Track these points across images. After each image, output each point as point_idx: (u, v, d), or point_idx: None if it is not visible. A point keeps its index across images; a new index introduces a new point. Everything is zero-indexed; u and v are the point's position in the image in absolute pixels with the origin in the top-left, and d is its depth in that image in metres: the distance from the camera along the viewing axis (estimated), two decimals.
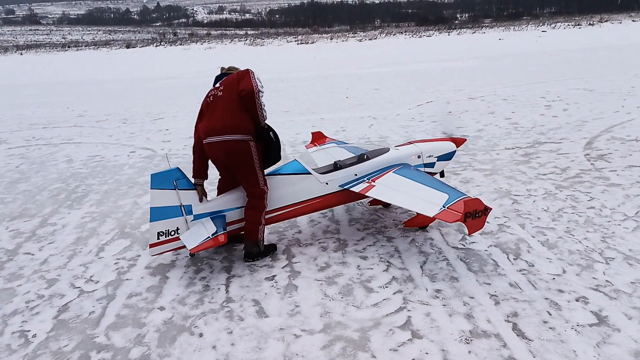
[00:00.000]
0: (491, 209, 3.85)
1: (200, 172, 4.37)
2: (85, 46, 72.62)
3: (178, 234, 4.19)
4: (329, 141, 5.92)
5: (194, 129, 4.44)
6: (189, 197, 4.22)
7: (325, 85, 16.70)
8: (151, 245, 4.15)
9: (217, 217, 4.30)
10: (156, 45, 67.97)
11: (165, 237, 4.16)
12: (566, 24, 59.21)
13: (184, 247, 4.13)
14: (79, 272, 4.38)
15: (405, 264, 4.13)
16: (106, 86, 22.16)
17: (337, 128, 9.73)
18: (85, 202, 6.23)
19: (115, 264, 4.49)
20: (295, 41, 61.34)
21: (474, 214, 3.66)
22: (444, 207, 3.77)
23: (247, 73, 4.14)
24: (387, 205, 5.35)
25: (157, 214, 4.10)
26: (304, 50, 44.82)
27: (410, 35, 58.59)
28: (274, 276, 4.10)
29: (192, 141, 9.33)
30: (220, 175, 4.60)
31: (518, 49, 28.99)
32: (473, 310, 3.42)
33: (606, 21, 58.76)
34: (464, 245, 4.38)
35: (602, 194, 5.28)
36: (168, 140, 9.69)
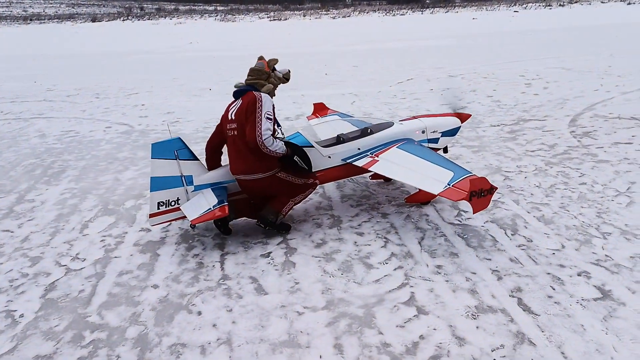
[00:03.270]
0: (497, 188, 3.78)
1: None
2: (49, 19, 70.01)
3: (178, 204, 4.11)
4: (331, 113, 5.80)
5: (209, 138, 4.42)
6: (190, 167, 4.12)
7: (302, 62, 16.46)
8: (151, 215, 4.08)
9: (218, 188, 4.20)
10: (123, 20, 65.99)
11: (166, 207, 4.09)
12: (537, 4, 59.71)
13: (184, 217, 4.06)
14: (63, 249, 4.19)
15: (403, 240, 4.07)
16: (74, 60, 21.42)
17: None
18: (64, 178, 5.98)
19: (102, 241, 4.31)
20: (268, 18, 60.41)
21: (480, 193, 3.58)
22: (448, 185, 3.68)
23: (254, 110, 3.89)
24: (388, 180, 5.29)
25: (158, 183, 4.03)
26: (277, 27, 44.19)
27: (384, 14, 58.30)
28: (270, 253, 3.99)
29: (169, 117, 9.10)
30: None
31: (492, 29, 29.13)
32: (476, 286, 3.38)
33: (576, 2, 59.45)
34: (460, 221, 4.35)
35: (592, 170, 5.30)
36: (145, 116, 9.39)
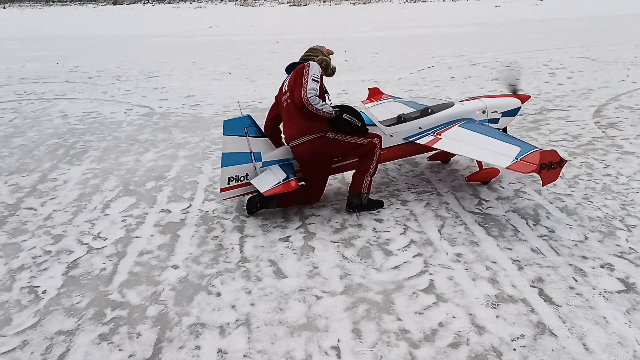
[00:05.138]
0: (567, 160, 3.82)
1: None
2: (70, 1, 70.42)
3: (247, 179, 4.26)
4: (385, 97, 5.82)
5: (266, 120, 4.55)
6: (258, 144, 4.26)
7: None
8: (222, 190, 4.26)
9: (285, 164, 4.32)
10: (144, 3, 66.12)
11: (235, 182, 4.25)
12: None
13: (254, 192, 4.24)
14: (85, 228, 4.24)
15: (422, 228, 4.05)
16: (95, 42, 21.53)
17: (338, 91, 9.53)
18: (85, 158, 6.04)
19: (123, 221, 4.36)
20: (288, 3, 60.09)
21: (549, 165, 3.63)
22: (516, 158, 3.72)
23: (302, 75, 4.05)
24: (446, 161, 5.40)
25: (228, 159, 4.19)
26: (298, 13, 43.92)
27: (405, 0, 57.61)
28: (289, 237, 4.00)
29: (189, 100, 9.13)
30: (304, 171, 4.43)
31: (515, 17, 28.61)
32: (497, 275, 3.35)
33: None
34: (481, 210, 4.30)
35: (617, 162, 5.20)
36: (165, 99, 9.42)
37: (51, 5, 65.66)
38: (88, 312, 3.12)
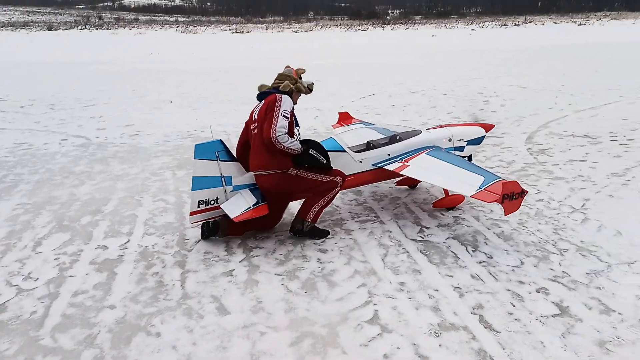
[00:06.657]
0: (527, 191, 3.98)
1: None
2: (2, 27, 67.90)
3: (217, 203, 4.24)
4: (354, 122, 5.89)
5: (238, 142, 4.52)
6: (229, 168, 4.26)
7: (264, 75, 16.42)
8: (191, 214, 4.24)
9: (255, 189, 4.32)
10: (81, 29, 64.57)
11: (205, 205, 4.24)
12: (493, 23, 61.59)
13: (223, 215, 4.21)
14: (14, 268, 4.01)
15: (366, 257, 4.07)
16: (28, 69, 20.79)
17: None
18: (16, 193, 5.74)
19: (56, 259, 4.15)
20: (230, 30, 60.27)
21: (511, 196, 3.76)
22: (480, 188, 3.85)
23: (272, 109, 4.01)
24: (413, 186, 5.53)
25: (199, 183, 4.18)
26: (240, 40, 44.10)
27: (346, 29, 58.99)
28: (232, 270, 3.92)
29: (128, 130, 8.94)
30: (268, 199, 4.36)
31: (451, 46, 29.85)
32: (439, 303, 3.40)
33: (530, 22, 61.64)
34: (422, 238, 4.38)
35: (549, 187, 5.45)
36: (103, 128, 9.16)
37: None
38: None
